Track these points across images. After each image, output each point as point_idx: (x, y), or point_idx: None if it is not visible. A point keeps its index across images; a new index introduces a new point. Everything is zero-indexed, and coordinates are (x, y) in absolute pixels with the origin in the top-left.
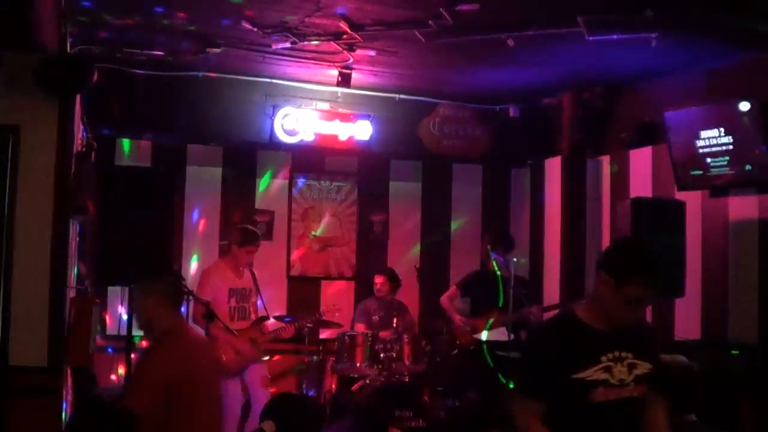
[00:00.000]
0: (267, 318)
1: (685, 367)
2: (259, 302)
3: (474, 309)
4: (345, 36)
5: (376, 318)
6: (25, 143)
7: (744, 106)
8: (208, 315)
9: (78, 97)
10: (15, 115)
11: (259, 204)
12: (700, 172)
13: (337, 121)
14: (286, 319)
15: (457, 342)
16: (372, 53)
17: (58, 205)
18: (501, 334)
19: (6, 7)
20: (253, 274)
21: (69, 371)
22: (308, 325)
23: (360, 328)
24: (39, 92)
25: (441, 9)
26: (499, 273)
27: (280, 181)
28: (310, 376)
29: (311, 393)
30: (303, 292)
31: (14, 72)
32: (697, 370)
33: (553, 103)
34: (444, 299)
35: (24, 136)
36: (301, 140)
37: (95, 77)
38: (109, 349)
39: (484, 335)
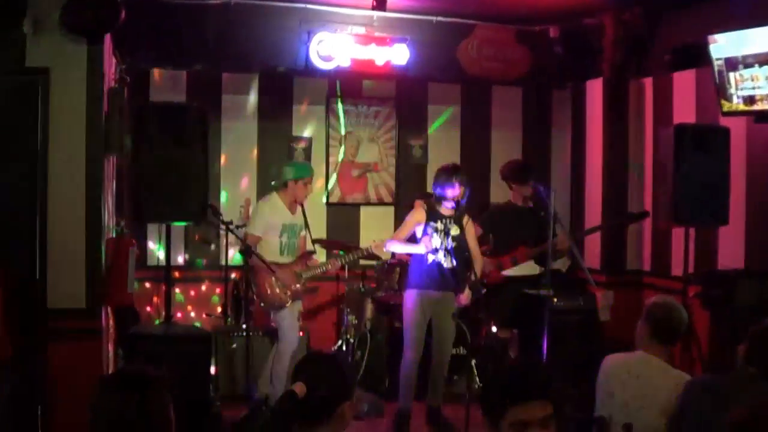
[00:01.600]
0: (313, 252)
1: None
2: (306, 238)
3: (498, 245)
4: None
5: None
6: (56, 86)
7: None
8: (245, 250)
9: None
10: (44, 58)
11: (296, 131)
12: (745, 96)
13: (373, 46)
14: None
15: (485, 281)
16: None
17: (90, 147)
18: (529, 269)
19: None
20: (303, 209)
21: (111, 311)
22: (355, 256)
23: None
24: (67, 34)
25: None
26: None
27: (317, 108)
28: (352, 304)
29: (352, 321)
30: (342, 218)
31: (42, 14)
32: None
33: (593, 23)
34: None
35: (54, 78)
36: (338, 66)
37: (123, 16)
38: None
39: (510, 272)
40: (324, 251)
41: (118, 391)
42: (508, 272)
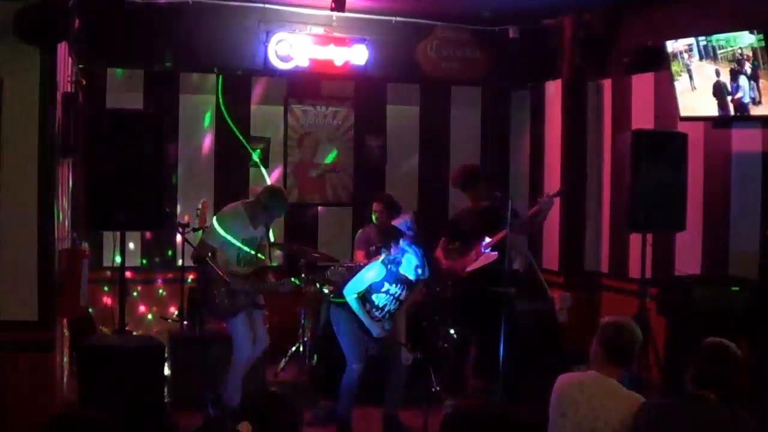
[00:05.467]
0: (269, 268)
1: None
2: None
3: (464, 248)
4: None
5: (373, 248)
6: (8, 95)
7: (747, 37)
8: (198, 260)
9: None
10: None
11: (254, 131)
12: (703, 103)
13: (332, 46)
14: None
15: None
16: None
17: (43, 157)
18: (486, 258)
19: None
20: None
21: (65, 322)
22: (310, 288)
23: (359, 255)
24: (19, 42)
25: None
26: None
27: (275, 108)
28: (309, 307)
29: (311, 323)
30: (301, 218)
31: None
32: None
33: (553, 24)
34: (438, 254)
35: (6, 87)
36: (296, 66)
37: (77, 24)
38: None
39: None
40: (280, 252)
41: None
42: (470, 268)
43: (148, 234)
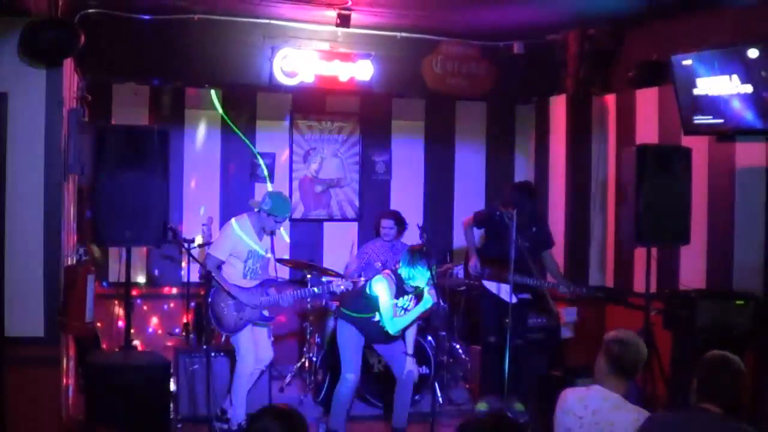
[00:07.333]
0: (275, 281)
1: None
2: (269, 263)
3: (490, 245)
4: None
5: (378, 263)
6: (13, 111)
7: (752, 52)
8: (206, 276)
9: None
10: (2, 83)
11: (259, 147)
12: (707, 117)
13: (337, 62)
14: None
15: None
16: None
17: (49, 173)
18: (505, 293)
19: None
20: (272, 237)
21: (71, 339)
22: (311, 296)
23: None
24: (26, 58)
25: None
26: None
27: (281, 123)
28: (315, 320)
29: (317, 339)
30: (306, 234)
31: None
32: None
33: (558, 39)
34: (466, 223)
35: (12, 103)
36: (301, 82)
37: (83, 40)
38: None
39: (489, 285)
40: (287, 269)
41: None
42: (488, 285)
43: (153, 250)
